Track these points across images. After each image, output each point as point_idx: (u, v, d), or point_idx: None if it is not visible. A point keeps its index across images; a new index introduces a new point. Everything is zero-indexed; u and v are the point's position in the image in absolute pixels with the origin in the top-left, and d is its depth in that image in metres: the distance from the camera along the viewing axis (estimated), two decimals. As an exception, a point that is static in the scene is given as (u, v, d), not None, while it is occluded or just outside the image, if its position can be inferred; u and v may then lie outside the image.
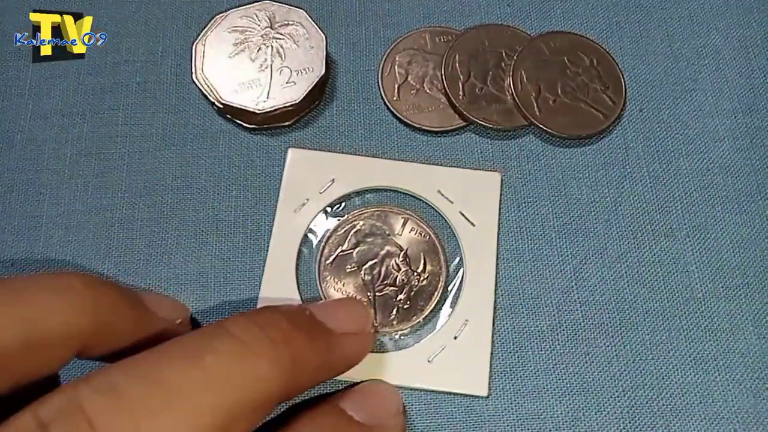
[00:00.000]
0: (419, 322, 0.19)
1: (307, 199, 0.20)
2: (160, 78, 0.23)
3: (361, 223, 0.20)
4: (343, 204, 0.20)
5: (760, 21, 0.23)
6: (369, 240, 0.19)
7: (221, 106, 0.21)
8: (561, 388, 0.19)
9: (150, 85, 0.23)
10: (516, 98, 0.22)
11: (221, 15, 0.22)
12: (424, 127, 0.22)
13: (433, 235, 0.20)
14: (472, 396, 0.18)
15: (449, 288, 0.19)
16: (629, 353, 0.19)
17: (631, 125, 0.22)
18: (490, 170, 0.21)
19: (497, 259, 0.20)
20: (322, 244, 0.19)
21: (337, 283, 0.19)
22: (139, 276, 0.20)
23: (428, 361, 0.18)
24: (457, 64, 0.22)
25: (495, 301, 0.19)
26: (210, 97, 0.21)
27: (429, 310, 0.19)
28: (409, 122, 0.22)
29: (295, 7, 0.22)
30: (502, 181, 0.20)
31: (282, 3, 0.23)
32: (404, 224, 0.20)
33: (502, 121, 0.21)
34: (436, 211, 0.20)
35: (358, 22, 0.23)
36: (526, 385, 0.19)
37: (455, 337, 0.18)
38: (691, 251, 0.20)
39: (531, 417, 0.18)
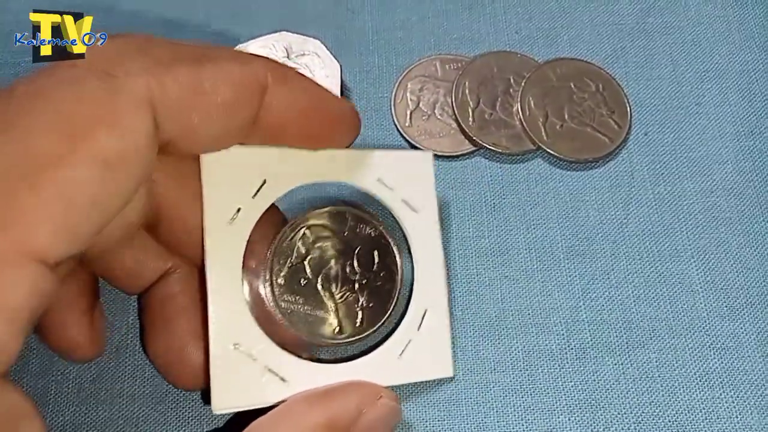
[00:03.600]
0: (384, 321, 0.18)
1: (239, 208, 0.17)
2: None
3: (306, 228, 0.18)
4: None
5: (762, 45, 0.24)
6: (318, 245, 0.18)
7: None
8: (570, 405, 0.19)
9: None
10: (524, 123, 0.22)
11: (242, 45, 0.23)
12: (435, 152, 0.22)
13: (381, 229, 0.19)
14: (441, 380, 0.19)
15: (404, 280, 0.19)
16: (636, 371, 0.20)
17: (636, 149, 0.22)
18: (423, 149, 0.20)
19: (441, 240, 0.19)
20: (268, 259, 0.18)
21: (293, 300, 0.18)
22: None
23: (399, 356, 0.18)
24: (466, 91, 0.23)
25: (447, 280, 0.19)
26: None
27: (392, 308, 0.18)
28: (420, 147, 0.23)
29: (310, 37, 0.23)
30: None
31: (298, 33, 0.24)
32: (351, 221, 0.19)
33: (510, 146, 0.22)
34: (379, 201, 0.19)
35: (371, 51, 0.24)
36: (537, 403, 0.19)
37: (418, 328, 0.18)
38: (696, 272, 0.21)
39: None
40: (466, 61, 0.24)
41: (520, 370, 0.20)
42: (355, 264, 0.18)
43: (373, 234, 0.19)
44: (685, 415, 0.19)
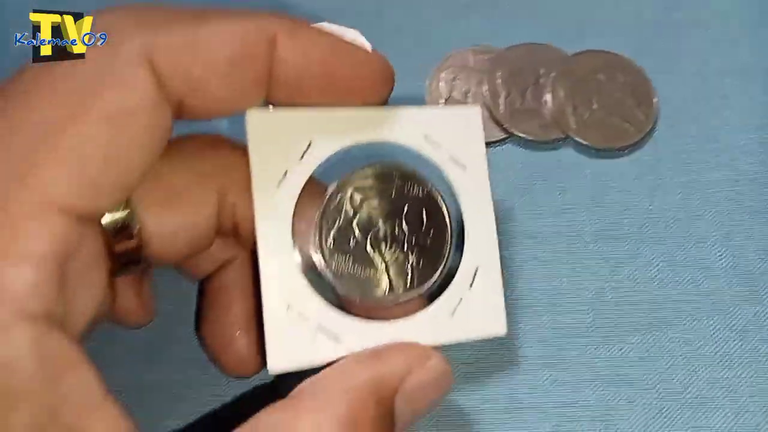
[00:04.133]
0: (436, 279, 0.18)
1: (287, 171, 0.17)
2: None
3: (353, 188, 0.18)
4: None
5: (787, 40, 0.24)
6: (366, 206, 0.18)
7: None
8: (596, 381, 0.20)
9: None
10: (553, 113, 0.23)
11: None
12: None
13: (429, 187, 0.18)
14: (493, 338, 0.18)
15: (455, 238, 0.19)
16: (659, 350, 0.20)
17: (662, 139, 0.23)
18: (470, 105, 0.20)
19: (492, 197, 0.19)
20: (317, 221, 0.18)
21: (344, 261, 0.18)
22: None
23: (451, 315, 0.18)
24: (498, 81, 0.24)
25: (498, 238, 0.19)
26: None
27: (442, 266, 0.18)
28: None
29: (349, 27, 0.24)
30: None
31: (339, 24, 0.25)
32: (398, 180, 0.18)
33: (540, 134, 0.23)
34: (427, 159, 0.18)
35: (406, 43, 0.25)
36: (565, 376, 0.20)
37: (470, 286, 0.18)
38: (719, 257, 0.22)
39: (567, 406, 0.20)
40: (498, 52, 0.24)
41: (549, 346, 0.21)
42: (404, 223, 0.18)
43: (421, 193, 0.18)
44: (706, 392, 0.20)
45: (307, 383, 0.15)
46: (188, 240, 0.17)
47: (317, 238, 0.17)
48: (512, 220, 0.22)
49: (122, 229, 0.16)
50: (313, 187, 0.17)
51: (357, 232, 0.18)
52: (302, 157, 0.17)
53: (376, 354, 0.16)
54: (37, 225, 0.13)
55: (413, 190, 0.18)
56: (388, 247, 0.18)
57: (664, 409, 0.20)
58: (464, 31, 0.25)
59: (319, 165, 0.18)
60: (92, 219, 0.14)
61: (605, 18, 0.25)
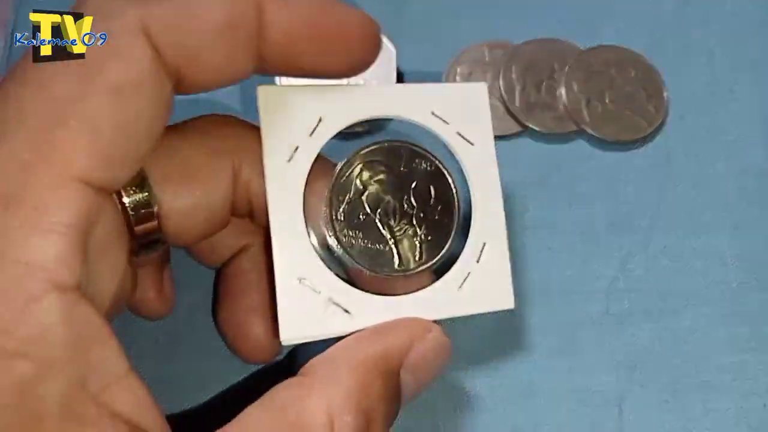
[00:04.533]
0: (444, 253, 0.18)
1: (297, 147, 0.17)
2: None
3: (362, 164, 0.18)
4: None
5: (794, 36, 0.25)
6: (375, 181, 0.18)
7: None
8: (609, 366, 0.21)
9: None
10: (567, 106, 0.24)
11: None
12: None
13: (437, 163, 0.19)
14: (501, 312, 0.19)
15: (462, 212, 0.19)
16: (671, 336, 0.21)
17: (672, 132, 0.24)
18: (476, 82, 0.20)
19: (499, 172, 0.19)
20: (327, 196, 0.18)
21: (354, 235, 0.18)
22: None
23: (459, 288, 0.18)
24: (513, 75, 0.25)
25: (513, 228, 0.19)
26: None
27: (450, 240, 0.18)
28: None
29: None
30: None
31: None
32: (406, 156, 0.19)
33: (554, 127, 0.24)
34: (434, 135, 0.19)
35: (423, 38, 0.26)
36: (579, 363, 0.21)
37: (477, 260, 0.18)
38: (727, 246, 0.22)
39: (582, 391, 0.21)
40: (514, 46, 0.25)
41: (563, 334, 0.21)
42: (412, 199, 0.18)
43: (428, 168, 0.19)
44: (716, 376, 0.21)
45: (316, 360, 0.15)
46: (205, 217, 0.18)
47: (328, 212, 0.18)
48: (527, 210, 0.23)
49: (142, 210, 0.16)
50: (324, 162, 0.18)
51: (366, 207, 0.18)
52: (312, 132, 0.17)
53: (380, 330, 0.16)
54: (61, 197, 0.13)
55: (421, 165, 0.19)
56: (397, 222, 0.18)
57: (676, 393, 0.21)
58: (480, 25, 0.26)
59: (329, 140, 0.18)
60: (109, 191, 0.14)
61: (618, 14, 0.26)
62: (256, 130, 0.19)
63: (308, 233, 0.17)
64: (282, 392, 0.15)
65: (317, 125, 0.17)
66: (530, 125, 0.24)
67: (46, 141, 0.13)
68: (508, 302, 0.18)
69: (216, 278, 0.21)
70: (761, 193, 0.23)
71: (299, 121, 0.17)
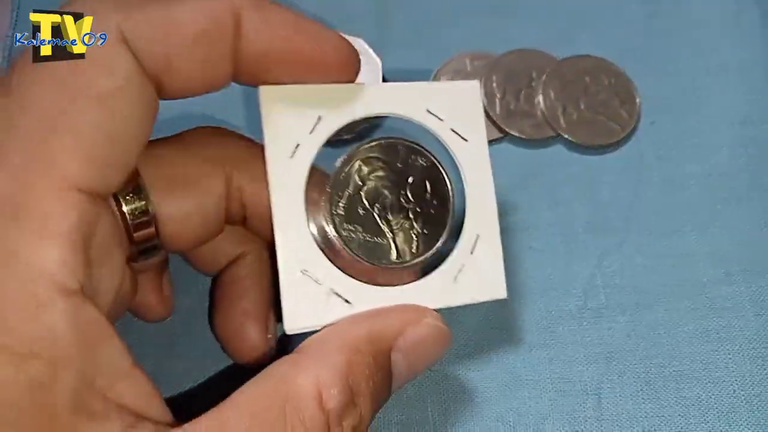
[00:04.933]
0: (440, 246, 0.19)
1: (298, 144, 0.18)
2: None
3: (360, 160, 0.19)
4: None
5: (759, 42, 0.26)
6: (373, 176, 0.19)
7: None
8: (588, 358, 0.22)
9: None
10: (545, 113, 0.25)
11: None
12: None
13: (432, 158, 0.19)
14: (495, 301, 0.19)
15: (456, 207, 0.19)
16: (645, 328, 0.22)
17: (644, 136, 0.25)
18: (470, 81, 0.20)
19: (491, 168, 0.20)
20: (328, 192, 0.18)
21: (353, 229, 0.18)
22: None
23: (454, 280, 0.19)
24: (494, 84, 0.26)
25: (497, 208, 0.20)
26: None
27: (445, 233, 0.19)
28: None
29: (353, 36, 0.26)
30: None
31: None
32: (402, 152, 0.19)
33: (533, 133, 0.25)
34: (429, 131, 0.19)
35: (407, 49, 0.27)
36: (558, 355, 0.22)
37: (471, 252, 0.19)
38: (696, 243, 0.23)
39: (563, 381, 0.22)
40: (494, 57, 0.26)
41: (543, 328, 0.22)
42: (409, 193, 0.19)
43: (424, 164, 0.19)
44: (688, 365, 0.22)
45: (310, 339, 0.16)
46: (200, 222, 0.18)
47: (328, 207, 0.18)
48: (509, 213, 0.24)
49: (140, 218, 0.17)
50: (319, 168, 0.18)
51: (365, 201, 0.18)
52: (312, 130, 0.18)
53: (373, 313, 0.17)
54: (61, 205, 0.13)
55: (417, 161, 0.19)
56: (394, 216, 0.19)
57: (650, 382, 0.22)
58: (463, 37, 0.27)
59: (328, 139, 0.18)
60: (103, 196, 0.15)
61: (591, 25, 0.27)
62: (246, 140, 0.20)
63: (310, 227, 0.18)
64: (275, 368, 0.15)
65: (317, 123, 0.18)
66: (510, 132, 0.25)
67: (39, 152, 0.13)
68: (500, 292, 0.19)
69: (212, 285, 0.22)
70: (726, 193, 0.24)
71: (300, 120, 0.18)
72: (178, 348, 0.22)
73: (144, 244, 0.18)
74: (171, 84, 0.15)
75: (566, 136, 0.25)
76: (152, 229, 0.17)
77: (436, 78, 0.26)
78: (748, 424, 0.21)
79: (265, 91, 0.17)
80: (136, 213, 0.17)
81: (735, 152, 0.25)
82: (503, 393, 0.22)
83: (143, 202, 0.17)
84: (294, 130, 0.18)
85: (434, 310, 0.18)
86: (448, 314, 0.18)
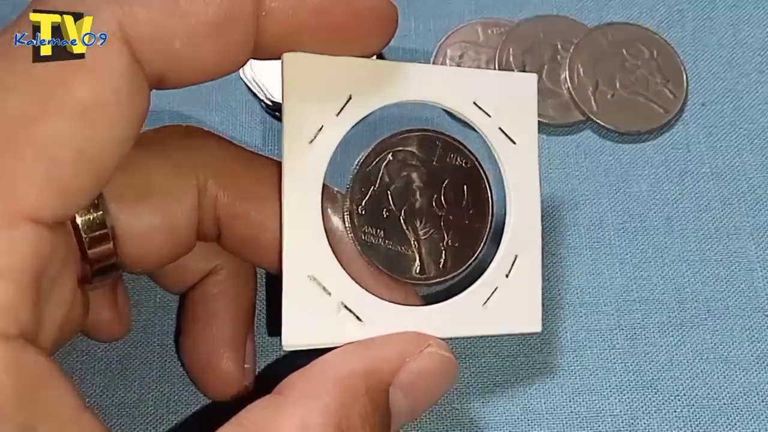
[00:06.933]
0: (471, 264, 0.17)
1: (322, 126, 0.16)
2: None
3: (392, 153, 0.17)
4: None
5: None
6: (404, 174, 0.17)
7: (270, 104, 0.21)
8: (620, 387, 0.19)
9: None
10: (572, 92, 0.22)
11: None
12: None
13: (474, 160, 0.17)
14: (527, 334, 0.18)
15: (495, 221, 0.18)
16: (690, 352, 0.20)
17: (692, 120, 0.22)
18: (526, 72, 0.19)
19: (540, 178, 0.18)
20: (349, 186, 0.17)
21: (374, 233, 0.17)
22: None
23: (483, 304, 0.17)
24: (511, 58, 0.23)
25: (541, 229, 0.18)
26: (259, 95, 0.21)
27: (480, 250, 0.17)
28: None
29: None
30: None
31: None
32: (441, 149, 0.17)
33: (558, 116, 0.22)
34: (473, 128, 0.17)
35: (407, 15, 0.24)
36: (585, 384, 0.19)
37: (507, 275, 0.17)
38: (755, 249, 0.21)
39: (590, 416, 0.19)
40: (510, 25, 0.23)
41: (568, 351, 0.20)
42: (442, 198, 0.17)
43: (464, 165, 0.17)
44: (742, 398, 0.19)
45: (293, 376, 0.15)
46: (167, 240, 0.17)
47: (348, 204, 0.16)
48: (528, 212, 0.21)
49: (96, 231, 0.15)
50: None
51: (391, 202, 0.17)
52: (340, 112, 0.16)
53: (368, 344, 0.15)
54: (9, 238, 0.12)
55: (456, 161, 0.17)
56: (423, 223, 0.17)
57: (695, 418, 0.19)
58: (471, 1, 0.24)
59: (357, 123, 0.16)
60: (63, 224, 0.13)
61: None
62: (224, 142, 0.18)
63: (325, 226, 0.16)
64: (253, 413, 0.14)
65: (346, 104, 0.16)
66: (530, 114, 0.22)
67: None
68: (535, 325, 0.17)
69: (180, 305, 0.20)
70: (793, 189, 0.21)
71: (326, 98, 0.16)
72: (131, 372, 0.20)
73: (100, 263, 0.16)
74: (176, 78, 0.14)
75: (598, 120, 0.22)
76: (110, 245, 0.16)
77: (442, 49, 0.23)
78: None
79: (290, 59, 0.15)
80: (92, 226, 0.15)
81: (804, 140, 0.22)
82: (518, 429, 0.19)
83: (99, 213, 0.15)
84: (319, 109, 0.16)
85: (456, 337, 0.17)
86: (454, 340, 0.16)
